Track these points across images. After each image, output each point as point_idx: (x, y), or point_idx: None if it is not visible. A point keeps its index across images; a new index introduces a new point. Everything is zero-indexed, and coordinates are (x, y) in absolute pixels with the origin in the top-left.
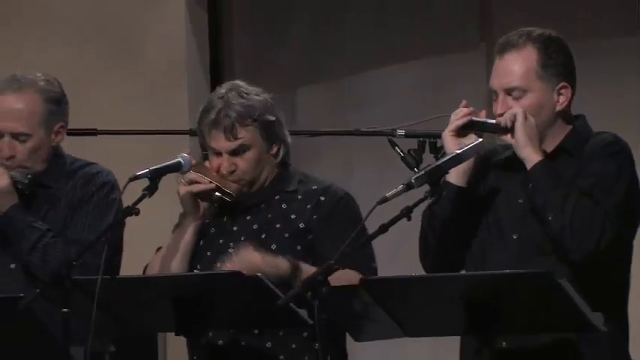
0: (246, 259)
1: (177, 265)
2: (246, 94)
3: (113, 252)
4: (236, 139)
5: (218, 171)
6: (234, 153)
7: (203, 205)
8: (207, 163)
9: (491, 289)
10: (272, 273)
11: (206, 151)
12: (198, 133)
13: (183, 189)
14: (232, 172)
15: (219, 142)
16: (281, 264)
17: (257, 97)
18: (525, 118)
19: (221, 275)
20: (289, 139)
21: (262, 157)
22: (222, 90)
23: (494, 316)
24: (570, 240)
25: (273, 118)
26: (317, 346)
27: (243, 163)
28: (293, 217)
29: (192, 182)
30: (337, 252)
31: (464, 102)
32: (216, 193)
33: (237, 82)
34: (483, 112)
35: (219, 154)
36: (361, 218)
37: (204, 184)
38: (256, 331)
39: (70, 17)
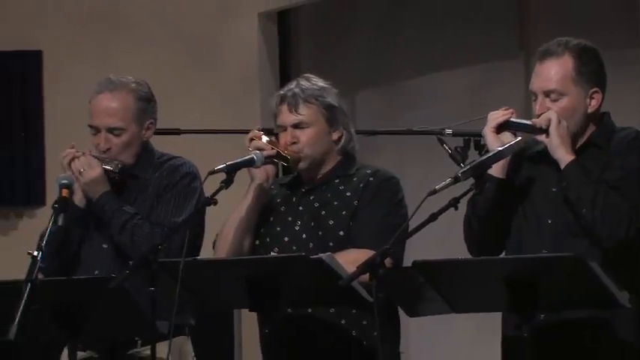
0: None
1: (240, 226)
2: (314, 81)
3: (194, 236)
4: (298, 113)
5: (284, 145)
6: (297, 126)
7: (266, 169)
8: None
9: (529, 271)
10: None
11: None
12: (273, 117)
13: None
14: (293, 144)
15: (284, 115)
16: None
17: (322, 84)
18: (559, 121)
19: (289, 258)
20: (353, 131)
21: (322, 137)
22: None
23: (532, 295)
24: (602, 230)
25: (335, 104)
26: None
27: (303, 136)
28: (348, 194)
29: (259, 149)
30: (368, 226)
31: (504, 107)
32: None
33: (308, 74)
34: (514, 114)
35: (285, 129)
36: (401, 198)
37: (267, 150)
38: (332, 310)
39: (158, 31)
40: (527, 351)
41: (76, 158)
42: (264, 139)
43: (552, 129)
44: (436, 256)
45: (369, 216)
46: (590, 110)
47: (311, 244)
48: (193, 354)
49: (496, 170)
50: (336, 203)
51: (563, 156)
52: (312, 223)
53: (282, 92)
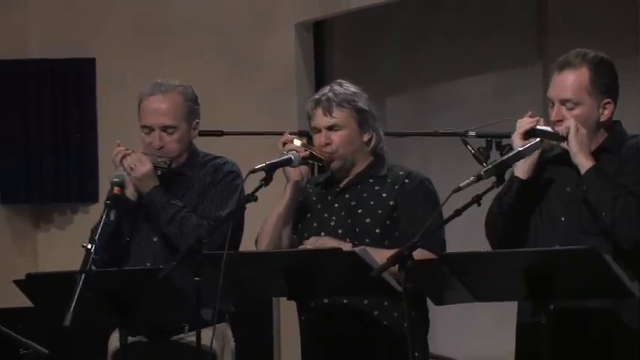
0: (322, 243)
1: (279, 222)
2: (346, 86)
3: (235, 230)
4: (332, 117)
5: (319, 146)
6: (330, 129)
7: (301, 169)
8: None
9: (547, 263)
10: None
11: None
12: (308, 119)
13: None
14: (327, 145)
15: (319, 118)
16: (345, 247)
17: (354, 89)
18: (577, 130)
19: (324, 251)
20: (382, 133)
21: (354, 138)
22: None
23: (549, 285)
24: (621, 232)
25: (366, 107)
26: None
27: (337, 138)
28: (384, 195)
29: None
30: (414, 225)
31: (530, 112)
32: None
33: (341, 80)
34: (542, 121)
35: (319, 131)
36: (436, 197)
37: (301, 152)
38: (365, 302)
39: (204, 41)
40: (541, 337)
41: (127, 155)
42: (297, 142)
43: (571, 137)
44: (460, 248)
45: (416, 217)
46: (602, 119)
47: (347, 239)
48: (233, 339)
49: (522, 172)
50: (372, 203)
51: (583, 162)
52: (349, 220)
53: (316, 97)
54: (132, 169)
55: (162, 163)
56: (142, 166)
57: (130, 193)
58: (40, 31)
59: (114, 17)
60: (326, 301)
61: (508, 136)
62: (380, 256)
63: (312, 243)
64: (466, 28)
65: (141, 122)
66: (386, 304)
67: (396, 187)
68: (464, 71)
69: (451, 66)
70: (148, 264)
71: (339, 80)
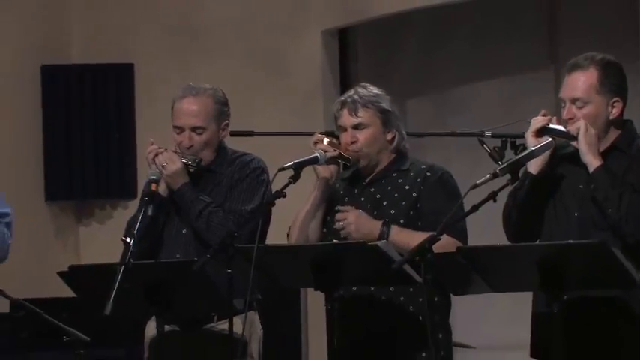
0: (353, 220)
1: (308, 217)
2: (370, 89)
3: (263, 224)
4: (357, 116)
5: (345, 146)
6: (356, 128)
7: (330, 168)
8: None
9: (559, 255)
10: (367, 232)
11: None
12: (334, 120)
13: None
14: (353, 143)
15: (345, 118)
16: (374, 227)
17: (377, 91)
18: (586, 130)
19: (348, 244)
20: (404, 132)
21: (378, 137)
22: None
23: (561, 276)
24: (626, 228)
25: (389, 108)
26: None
27: (362, 136)
28: (407, 188)
29: (323, 151)
30: (436, 216)
31: (543, 111)
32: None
33: (365, 83)
34: (555, 119)
35: (345, 130)
36: (457, 189)
37: (330, 152)
38: (392, 289)
39: (235, 47)
40: (555, 325)
41: (159, 154)
42: (326, 141)
43: (580, 137)
44: (477, 242)
45: (437, 208)
46: (611, 117)
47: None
48: (261, 327)
49: (535, 168)
50: (396, 195)
51: (591, 161)
52: (375, 213)
53: (342, 98)
54: (163, 166)
55: (191, 161)
56: (173, 164)
57: (162, 189)
58: (82, 38)
59: (150, 24)
60: (355, 289)
61: (522, 136)
62: (408, 236)
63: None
64: (482, 35)
65: (173, 123)
66: (411, 290)
67: (419, 180)
68: (480, 75)
69: (468, 70)
70: (178, 255)
71: (363, 83)
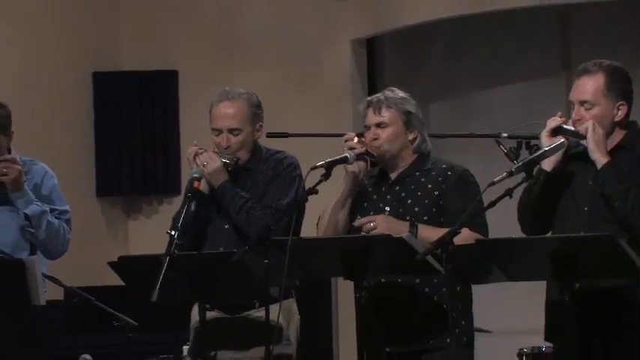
0: (383, 220)
1: (336, 209)
2: (396, 92)
3: (298, 217)
4: (381, 115)
5: (368, 141)
6: (378, 126)
7: (359, 164)
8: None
9: (570, 247)
10: (397, 232)
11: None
12: (363, 119)
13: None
14: (375, 140)
15: (369, 117)
16: (403, 227)
17: (402, 95)
18: (595, 129)
19: (376, 237)
20: (426, 135)
21: (399, 136)
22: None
23: (573, 266)
24: (633, 221)
25: (412, 110)
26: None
27: (383, 134)
28: (429, 186)
29: (352, 148)
30: (456, 212)
31: (560, 113)
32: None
33: (392, 87)
34: (570, 122)
35: (369, 128)
36: (476, 186)
37: (358, 148)
38: (417, 280)
39: (271, 55)
40: (567, 312)
41: (199, 154)
42: (355, 139)
43: (589, 136)
44: (494, 235)
45: (458, 205)
46: (616, 119)
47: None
48: (298, 314)
49: (548, 165)
50: (419, 194)
51: (599, 158)
52: (400, 210)
53: (369, 99)
54: (204, 165)
55: (229, 160)
56: (213, 163)
57: (203, 187)
58: (131, 48)
59: (193, 35)
60: (383, 280)
61: (536, 137)
62: (434, 232)
63: (371, 219)
64: (499, 44)
65: (211, 125)
66: (435, 281)
67: (440, 178)
68: (497, 81)
69: (486, 77)
70: (221, 248)
71: (390, 87)
